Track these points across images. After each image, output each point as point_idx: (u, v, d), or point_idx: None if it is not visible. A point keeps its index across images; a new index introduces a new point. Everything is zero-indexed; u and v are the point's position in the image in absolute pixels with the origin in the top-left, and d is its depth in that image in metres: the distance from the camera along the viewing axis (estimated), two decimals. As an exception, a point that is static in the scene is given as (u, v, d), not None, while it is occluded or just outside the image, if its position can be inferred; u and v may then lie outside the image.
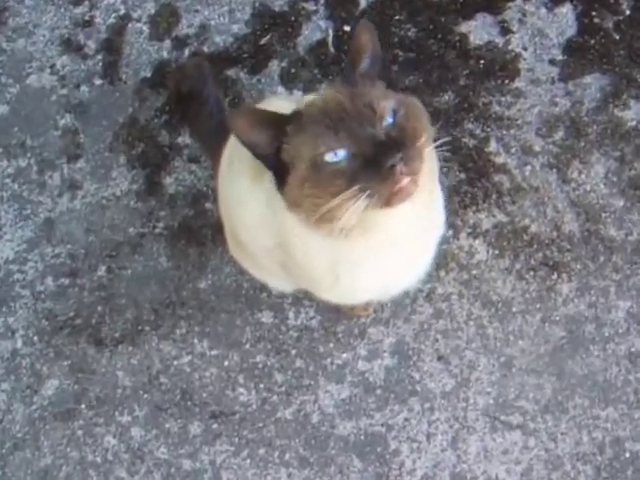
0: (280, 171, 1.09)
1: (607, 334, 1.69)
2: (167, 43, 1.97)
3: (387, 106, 1.03)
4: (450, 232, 1.75)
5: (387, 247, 1.16)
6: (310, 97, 1.29)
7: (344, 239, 1.08)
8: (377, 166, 0.99)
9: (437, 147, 1.07)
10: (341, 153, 1.01)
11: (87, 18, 2.02)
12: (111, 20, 2.01)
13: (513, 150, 1.81)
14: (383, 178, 0.99)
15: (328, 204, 1.02)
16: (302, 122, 1.05)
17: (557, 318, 1.70)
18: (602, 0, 1.92)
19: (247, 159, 1.18)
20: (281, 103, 1.32)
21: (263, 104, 1.38)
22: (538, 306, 1.71)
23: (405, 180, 1.00)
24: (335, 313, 1.70)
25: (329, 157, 1.02)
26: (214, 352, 1.73)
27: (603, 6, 1.91)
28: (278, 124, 1.07)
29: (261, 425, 1.70)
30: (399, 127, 1.03)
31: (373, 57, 1.09)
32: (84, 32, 2.01)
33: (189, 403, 1.71)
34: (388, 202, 1.02)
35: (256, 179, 1.22)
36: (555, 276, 1.73)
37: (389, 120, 1.03)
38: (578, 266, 1.73)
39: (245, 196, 1.29)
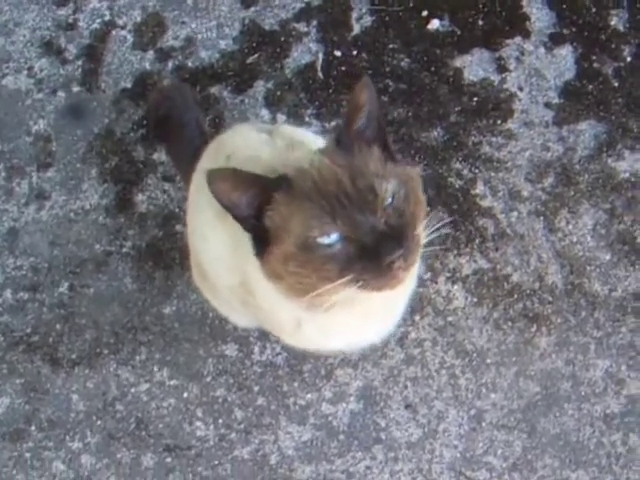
0: (260, 235, 1.02)
1: (583, 393, 1.65)
2: (150, 54, 1.90)
3: (389, 189, 0.97)
4: (428, 275, 1.71)
5: (362, 313, 1.11)
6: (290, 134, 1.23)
7: (322, 313, 1.03)
8: (374, 258, 0.94)
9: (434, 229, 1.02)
10: (335, 236, 0.95)
11: (70, 21, 1.95)
12: (95, 25, 1.94)
13: (500, 194, 1.77)
14: (380, 272, 0.94)
15: (315, 290, 0.97)
16: (293, 193, 0.98)
17: (533, 373, 1.66)
18: (603, 44, 1.87)
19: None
20: (250, 134, 1.27)
21: (231, 132, 1.33)
22: (514, 359, 1.67)
23: (401, 274, 0.95)
24: (302, 351, 1.63)
25: (322, 239, 0.95)
26: (173, 382, 1.68)
27: (604, 51, 1.87)
28: (262, 188, 1.00)
29: (217, 462, 1.64)
30: (398, 212, 0.97)
31: (370, 116, 1.02)
32: (66, 35, 1.94)
33: (143, 433, 1.65)
34: (378, 289, 0.97)
35: (222, 215, 1.12)
36: (534, 329, 1.68)
37: (388, 201, 0.97)
38: (558, 320, 1.69)
39: (207, 231, 1.23)
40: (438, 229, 1.02)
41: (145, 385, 1.68)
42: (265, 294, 1.11)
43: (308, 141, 1.25)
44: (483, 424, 1.63)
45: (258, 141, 1.23)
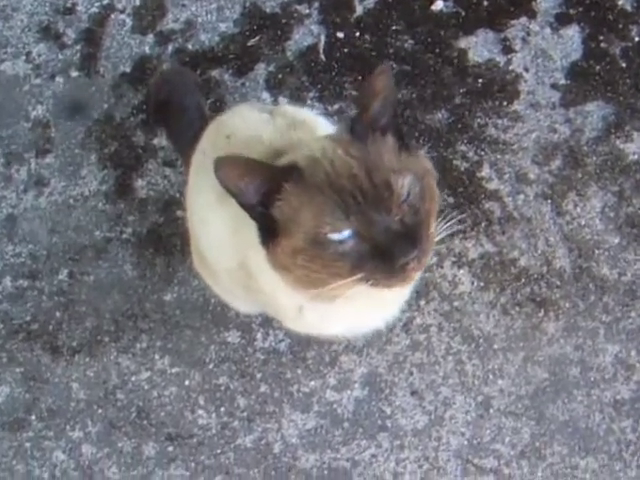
0: (267, 225, 0.99)
1: (592, 379, 1.62)
2: (150, 37, 1.87)
3: (405, 185, 0.94)
4: (434, 260, 1.67)
5: (366, 302, 1.09)
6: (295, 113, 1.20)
7: (326, 304, 1.03)
8: (387, 259, 0.91)
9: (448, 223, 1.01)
10: (347, 233, 0.93)
11: (69, 5, 1.93)
12: (93, 9, 1.92)
13: (506, 177, 1.74)
14: (392, 273, 0.92)
15: (325, 285, 0.95)
16: (304, 185, 0.95)
17: (541, 359, 1.63)
18: (610, 24, 1.84)
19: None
20: (250, 114, 1.25)
21: (231, 112, 1.30)
22: (521, 344, 1.64)
23: (414, 274, 0.94)
24: (306, 337, 1.62)
25: (333, 236, 0.93)
26: (175, 370, 1.65)
27: (611, 31, 1.83)
28: (272, 176, 0.97)
29: (219, 451, 1.61)
30: (413, 209, 0.94)
31: (386, 103, 0.99)
32: (64, 20, 1.91)
33: (145, 422, 1.63)
34: (389, 287, 0.96)
35: (223, 197, 1.10)
36: (542, 314, 1.65)
37: (404, 197, 0.94)
38: (567, 304, 1.66)
39: (208, 214, 1.20)
40: (451, 226, 1.01)
41: (146, 373, 1.66)
42: (267, 279, 1.09)
43: (310, 120, 1.23)
44: (490, 411, 1.60)
45: (259, 121, 1.21)
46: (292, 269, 0.97)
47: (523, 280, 1.67)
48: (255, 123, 1.20)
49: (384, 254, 0.91)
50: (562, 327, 1.64)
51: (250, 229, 1.02)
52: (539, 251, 1.69)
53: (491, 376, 1.63)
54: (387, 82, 0.97)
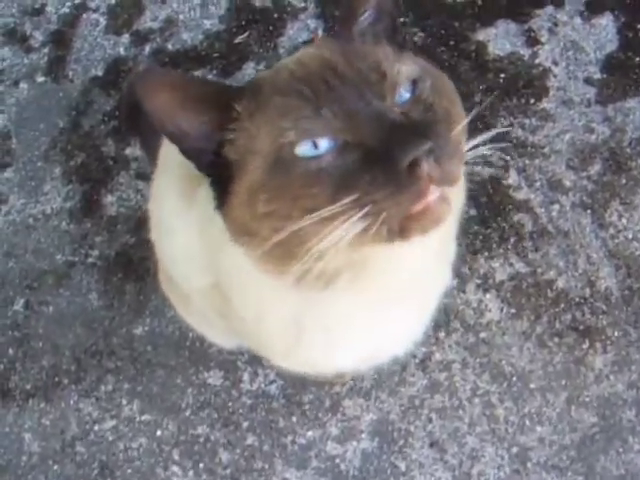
0: (222, 178, 0.74)
1: (652, 424, 1.43)
2: (125, 37, 1.79)
3: (404, 71, 0.69)
4: (455, 282, 1.53)
5: (380, 303, 0.83)
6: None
7: (321, 291, 0.75)
8: (389, 164, 0.64)
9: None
10: (324, 144, 0.67)
11: (37, 6, 1.87)
12: (64, 9, 1.85)
13: (538, 184, 1.59)
14: (399, 185, 0.64)
15: (295, 224, 0.67)
16: (261, 99, 0.72)
17: (587, 399, 1.47)
18: None
19: (177, 166, 0.92)
20: None
21: None
22: (563, 383, 1.48)
23: (435, 193, 0.65)
24: (301, 377, 1.46)
25: (303, 149, 0.67)
26: (145, 417, 1.51)
27: None
28: (221, 102, 0.73)
29: (198, 517, 1.44)
30: (424, 105, 0.69)
31: (379, 10, 0.76)
32: (32, 21, 1.84)
33: (109, 480, 1.47)
34: (403, 231, 0.67)
35: (187, 196, 0.93)
36: (586, 345, 1.49)
37: (405, 94, 0.69)
38: (616, 333, 1.50)
39: (172, 219, 1.02)
40: (490, 142, 0.74)
41: (111, 421, 1.51)
42: (247, 291, 0.88)
43: None
44: (528, 465, 1.43)
45: None
46: (253, 225, 0.71)
47: (562, 305, 1.52)
48: None
49: (382, 158, 0.65)
50: (611, 361, 1.49)
51: (218, 224, 0.78)
52: (580, 270, 1.54)
53: (528, 422, 1.46)
54: None
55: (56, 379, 1.53)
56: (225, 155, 0.72)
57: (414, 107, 0.68)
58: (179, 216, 0.97)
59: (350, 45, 0.72)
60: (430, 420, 1.46)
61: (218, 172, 0.73)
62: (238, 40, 1.70)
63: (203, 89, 0.73)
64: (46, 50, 1.77)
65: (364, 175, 0.64)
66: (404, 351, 0.99)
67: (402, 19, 1.69)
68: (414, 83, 0.69)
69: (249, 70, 1.69)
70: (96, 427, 1.50)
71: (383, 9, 0.76)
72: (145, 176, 1.63)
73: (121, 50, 1.74)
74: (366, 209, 0.64)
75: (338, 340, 0.90)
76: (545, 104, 1.65)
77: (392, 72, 0.68)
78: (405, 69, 0.69)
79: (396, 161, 0.63)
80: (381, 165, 0.64)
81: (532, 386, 1.47)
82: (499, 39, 1.70)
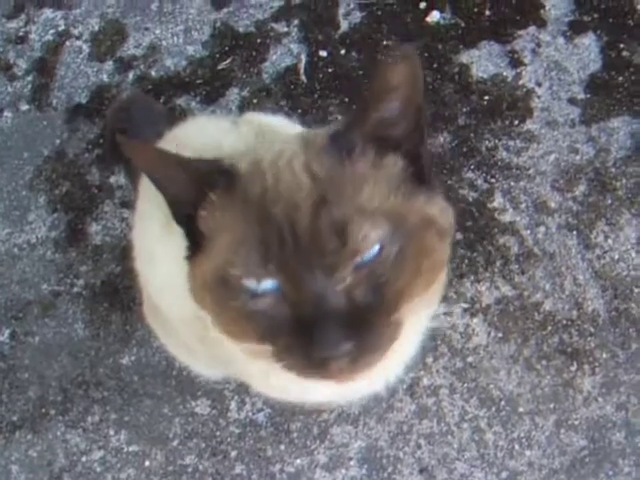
0: (193, 234, 0.76)
1: (641, 446, 1.41)
2: (109, 64, 1.76)
3: (371, 237, 0.66)
4: (441, 307, 1.44)
5: None
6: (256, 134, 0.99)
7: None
8: (307, 343, 0.66)
9: None
10: (267, 285, 0.68)
11: (21, 34, 1.83)
12: (48, 37, 1.81)
13: (523, 206, 1.57)
14: (309, 363, 0.68)
15: (232, 340, 0.74)
16: (235, 197, 0.71)
17: (576, 422, 1.45)
18: (631, 30, 1.68)
19: (158, 195, 0.89)
20: (209, 123, 1.14)
21: (185, 124, 1.15)
22: (552, 406, 1.46)
23: (346, 375, 0.69)
24: (289, 405, 1.43)
25: (248, 282, 0.68)
26: (133, 448, 1.48)
27: (632, 37, 1.67)
28: (198, 184, 0.73)
29: None
30: (376, 279, 0.68)
31: (403, 105, 0.69)
32: (15, 49, 1.80)
33: (97, 514, 1.44)
34: (305, 378, 0.72)
35: (168, 224, 0.91)
36: (574, 367, 1.47)
37: (367, 257, 0.67)
38: (604, 355, 1.48)
39: (154, 247, 1.03)
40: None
41: (99, 452, 1.49)
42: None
43: (280, 127, 1.07)
44: None
45: (219, 129, 1.05)
46: (204, 304, 0.74)
47: (549, 328, 1.50)
48: (214, 132, 1.04)
49: (305, 332, 0.66)
50: (600, 383, 1.46)
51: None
52: (566, 292, 1.51)
53: (517, 446, 1.44)
54: (410, 74, 0.68)
55: (43, 410, 1.51)
56: (197, 222, 0.73)
57: (363, 283, 0.67)
58: (161, 244, 0.98)
59: (340, 169, 0.69)
60: (419, 446, 1.44)
61: (192, 229, 0.74)
62: (221, 66, 1.68)
63: (182, 167, 0.73)
64: (30, 78, 1.74)
65: (285, 337, 0.67)
66: (385, 387, 0.97)
67: (384, 42, 1.68)
68: (381, 248, 0.67)
69: (232, 96, 1.66)
70: (84, 458, 1.48)
71: (408, 106, 0.69)
72: (130, 204, 1.59)
73: (104, 77, 1.72)
74: (283, 362, 0.69)
75: (304, 385, 0.87)
76: (529, 125, 1.62)
77: (356, 238, 0.65)
78: (374, 235, 0.66)
79: (313, 348, 0.65)
80: (301, 339, 0.66)
81: (521, 410, 1.45)
82: (482, 61, 1.67)
